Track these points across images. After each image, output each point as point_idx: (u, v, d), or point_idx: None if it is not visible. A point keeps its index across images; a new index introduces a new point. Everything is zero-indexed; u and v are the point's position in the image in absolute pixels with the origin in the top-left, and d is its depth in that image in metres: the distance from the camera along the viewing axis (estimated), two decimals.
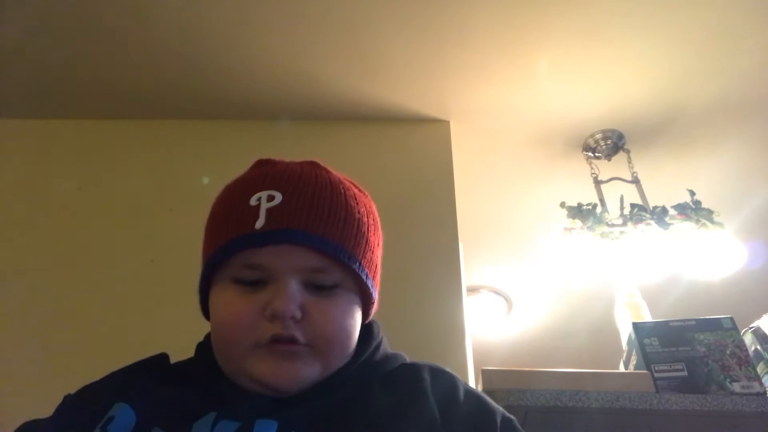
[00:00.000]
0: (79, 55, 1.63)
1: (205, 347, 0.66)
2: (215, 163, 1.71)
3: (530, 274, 2.47)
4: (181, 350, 0.69)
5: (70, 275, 1.51)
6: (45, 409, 0.63)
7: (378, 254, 0.67)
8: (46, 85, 1.71)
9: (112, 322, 1.43)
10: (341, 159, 1.79)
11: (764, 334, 1.39)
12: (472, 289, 2.53)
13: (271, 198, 0.60)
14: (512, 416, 0.63)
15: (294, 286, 0.58)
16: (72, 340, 1.40)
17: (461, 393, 0.62)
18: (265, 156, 0.71)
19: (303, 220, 0.59)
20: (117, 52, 1.63)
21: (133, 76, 1.70)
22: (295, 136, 1.80)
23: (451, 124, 1.85)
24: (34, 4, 1.49)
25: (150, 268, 1.53)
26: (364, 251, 0.62)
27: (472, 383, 1.44)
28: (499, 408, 0.63)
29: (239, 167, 0.72)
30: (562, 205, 1.87)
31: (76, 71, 1.68)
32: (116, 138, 1.78)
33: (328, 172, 0.67)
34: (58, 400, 0.64)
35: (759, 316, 1.45)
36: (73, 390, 0.65)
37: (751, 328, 1.43)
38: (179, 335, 0.73)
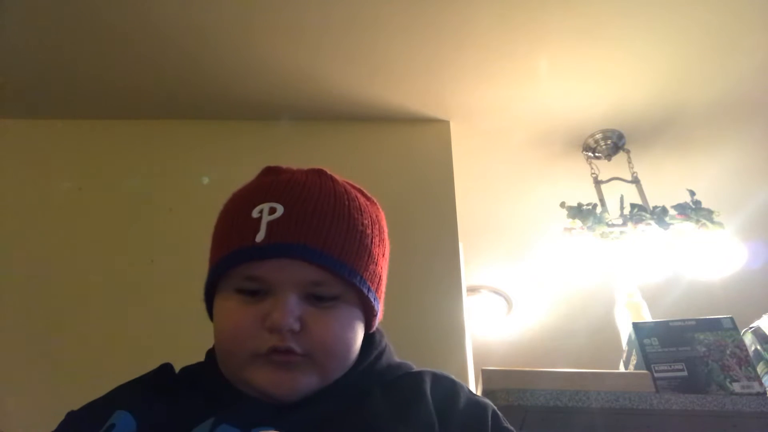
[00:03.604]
0: (79, 55, 1.63)
1: (212, 353, 0.66)
2: (215, 163, 1.72)
3: (530, 274, 2.47)
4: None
5: (70, 275, 1.51)
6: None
7: (382, 265, 0.67)
8: (46, 85, 1.71)
9: (112, 322, 1.43)
10: (342, 159, 1.80)
11: (764, 334, 1.39)
12: (472, 289, 2.53)
13: (272, 210, 0.60)
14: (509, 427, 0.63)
15: (293, 300, 0.58)
16: (72, 340, 1.40)
17: (461, 399, 0.62)
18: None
19: (303, 233, 0.59)
20: (118, 52, 1.63)
21: (135, 76, 1.70)
22: (296, 136, 1.80)
23: (451, 124, 1.85)
24: (34, 4, 1.49)
25: (150, 268, 1.53)
26: (366, 264, 0.63)
27: (472, 383, 1.44)
28: (491, 404, 0.64)
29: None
30: (562, 205, 1.87)
31: (76, 71, 1.68)
32: (116, 138, 1.78)
33: (333, 181, 0.66)
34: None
35: (759, 316, 1.45)
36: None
37: (751, 328, 1.43)
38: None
